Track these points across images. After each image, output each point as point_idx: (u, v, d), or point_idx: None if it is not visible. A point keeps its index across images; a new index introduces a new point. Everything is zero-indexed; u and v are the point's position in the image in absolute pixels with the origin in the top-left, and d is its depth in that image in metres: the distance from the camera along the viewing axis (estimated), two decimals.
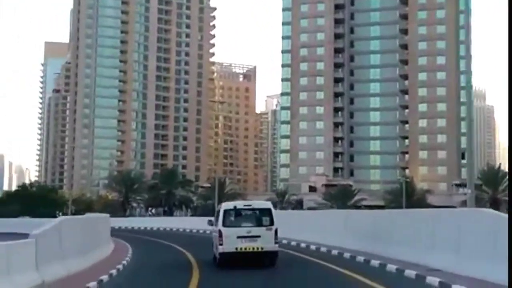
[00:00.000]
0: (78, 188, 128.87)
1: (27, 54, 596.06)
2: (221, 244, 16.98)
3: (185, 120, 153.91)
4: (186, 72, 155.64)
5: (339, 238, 22.99)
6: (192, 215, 71.51)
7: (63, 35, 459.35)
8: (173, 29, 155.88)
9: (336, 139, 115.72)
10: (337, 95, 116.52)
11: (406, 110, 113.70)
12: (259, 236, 17.00)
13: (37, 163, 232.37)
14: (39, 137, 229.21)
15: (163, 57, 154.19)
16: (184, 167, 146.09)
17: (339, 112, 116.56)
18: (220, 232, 17.10)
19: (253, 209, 18.04)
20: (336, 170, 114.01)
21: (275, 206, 25.34)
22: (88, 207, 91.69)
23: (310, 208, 68.82)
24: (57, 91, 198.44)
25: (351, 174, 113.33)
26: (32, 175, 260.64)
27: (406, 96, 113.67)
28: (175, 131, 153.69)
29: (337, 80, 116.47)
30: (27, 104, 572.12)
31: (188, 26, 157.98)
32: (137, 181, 77.57)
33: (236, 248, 16.88)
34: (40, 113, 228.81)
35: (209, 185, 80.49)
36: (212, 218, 19.58)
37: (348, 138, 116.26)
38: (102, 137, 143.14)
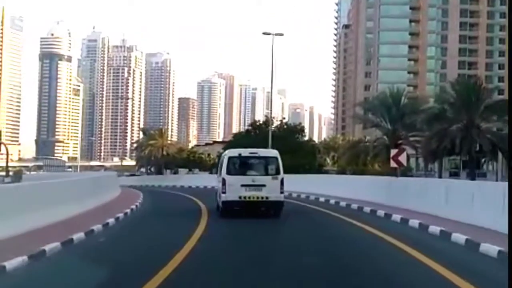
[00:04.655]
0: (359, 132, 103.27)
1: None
2: (224, 192, 16.63)
3: (501, 41, 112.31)
4: None
5: None
6: None
7: None
8: None
9: None
10: None
11: None
12: (264, 185, 16.58)
13: (333, 110, 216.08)
14: (333, 83, 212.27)
15: None
16: None
17: None
18: (223, 180, 16.76)
19: (259, 157, 17.52)
20: None
21: None
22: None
23: None
24: (346, 26, 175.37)
25: None
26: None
27: None
28: (488, 57, 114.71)
29: None
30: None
31: None
32: (411, 110, 43.74)
33: (240, 197, 16.52)
34: (335, 57, 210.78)
35: None
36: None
37: None
38: (389, 68, 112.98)
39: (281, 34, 36.69)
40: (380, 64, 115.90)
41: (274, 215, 16.78)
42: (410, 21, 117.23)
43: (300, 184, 31.96)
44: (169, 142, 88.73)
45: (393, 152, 22.48)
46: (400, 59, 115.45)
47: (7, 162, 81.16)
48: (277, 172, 16.71)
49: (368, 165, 49.00)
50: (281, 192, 16.68)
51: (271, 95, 43.51)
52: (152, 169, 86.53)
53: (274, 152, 17.79)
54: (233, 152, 17.96)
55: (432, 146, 38.61)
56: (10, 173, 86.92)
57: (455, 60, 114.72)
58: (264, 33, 36.21)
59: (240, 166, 17.20)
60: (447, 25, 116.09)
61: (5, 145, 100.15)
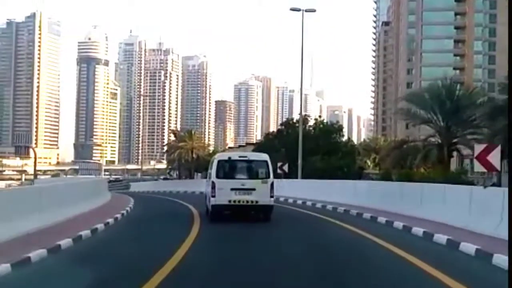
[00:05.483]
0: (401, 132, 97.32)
1: None
2: (213, 196, 16.48)
3: None
4: None
5: None
6: None
7: None
8: None
9: None
10: None
11: None
12: (254, 189, 16.50)
13: (372, 111, 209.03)
14: (373, 82, 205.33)
15: None
16: None
17: None
18: (213, 184, 16.61)
19: (248, 161, 17.43)
20: None
21: None
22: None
23: None
24: (386, 23, 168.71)
25: None
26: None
27: None
28: None
29: None
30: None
31: None
32: (468, 103, 36.79)
33: (229, 201, 16.44)
34: (374, 56, 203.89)
35: None
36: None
37: None
38: (433, 65, 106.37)
39: (313, 10, 32.29)
40: (424, 60, 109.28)
41: (264, 219, 16.64)
42: (456, 14, 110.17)
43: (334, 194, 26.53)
44: (199, 144, 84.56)
45: (478, 149, 14.78)
46: (444, 54, 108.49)
47: (34, 165, 79.10)
48: (267, 176, 16.73)
49: (413, 168, 43.34)
50: (271, 196, 16.73)
51: (301, 81, 38.31)
52: (173, 173, 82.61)
53: (264, 156, 17.59)
54: (223, 155, 18.22)
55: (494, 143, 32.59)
56: (39, 177, 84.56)
57: (504, 55, 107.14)
58: (292, 9, 31.79)
59: (230, 170, 16.97)
60: (495, 18, 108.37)
61: (33, 149, 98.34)
